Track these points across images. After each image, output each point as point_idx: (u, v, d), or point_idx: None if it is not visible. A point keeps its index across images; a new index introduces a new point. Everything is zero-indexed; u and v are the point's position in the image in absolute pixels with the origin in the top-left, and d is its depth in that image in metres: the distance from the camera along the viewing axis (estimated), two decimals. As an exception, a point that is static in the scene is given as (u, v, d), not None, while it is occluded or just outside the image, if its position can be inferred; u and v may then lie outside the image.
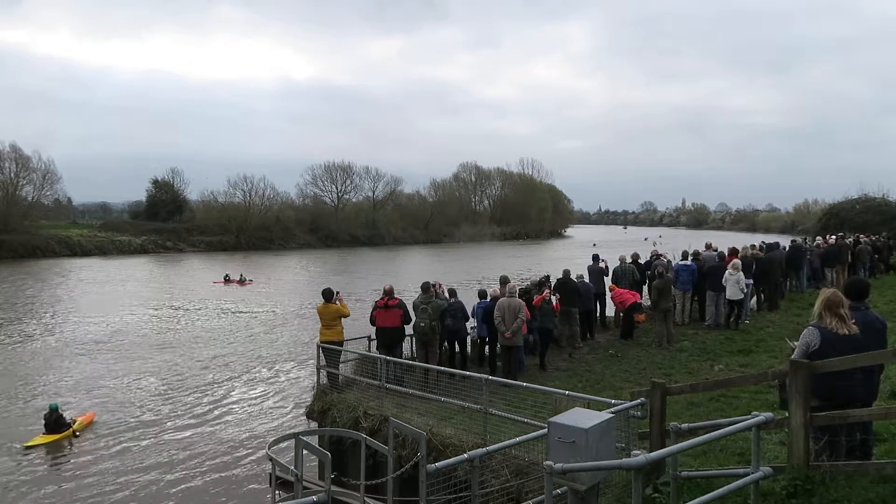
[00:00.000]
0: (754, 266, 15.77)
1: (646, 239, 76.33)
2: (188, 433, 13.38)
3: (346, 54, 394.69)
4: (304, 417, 11.75)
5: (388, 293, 11.27)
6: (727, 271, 14.51)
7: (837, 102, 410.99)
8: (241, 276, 41.16)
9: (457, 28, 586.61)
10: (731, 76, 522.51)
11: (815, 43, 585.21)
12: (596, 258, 16.06)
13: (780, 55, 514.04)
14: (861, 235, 25.28)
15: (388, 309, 11.03)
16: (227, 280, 40.18)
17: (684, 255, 16.13)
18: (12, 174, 63.12)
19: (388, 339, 11.12)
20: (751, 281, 15.43)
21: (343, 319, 11.42)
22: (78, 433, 12.99)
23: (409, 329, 11.47)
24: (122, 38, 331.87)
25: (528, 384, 8.09)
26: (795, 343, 5.19)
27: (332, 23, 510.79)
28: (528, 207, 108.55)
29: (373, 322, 11.31)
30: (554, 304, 12.29)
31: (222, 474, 11.41)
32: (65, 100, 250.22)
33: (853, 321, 4.89)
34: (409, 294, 16.27)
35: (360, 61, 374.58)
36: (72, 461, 11.93)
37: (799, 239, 24.19)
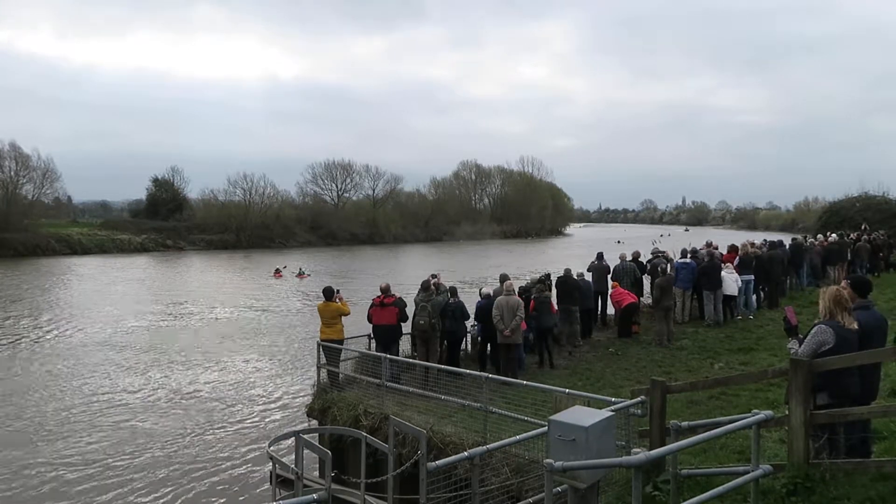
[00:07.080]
0: (754, 262, 15.86)
1: (661, 236, 74.14)
2: (188, 432, 13.36)
3: (329, 53, 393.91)
4: (305, 416, 11.77)
5: (385, 291, 11.31)
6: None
7: (825, 101, 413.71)
8: (301, 269, 41.14)
9: (436, 27, 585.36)
10: (717, 75, 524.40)
11: (799, 41, 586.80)
12: (601, 256, 16.07)
13: (764, 54, 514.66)
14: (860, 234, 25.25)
15: (384, 307, 11.07)
16: (278, 273, 40.41)
17: (683, 254, 16.16)
18: (12, 173, 63.28)
19: (384, 336, 11.15)
20: (751, 277, 15.64)
21: (343, 318, 11.44)
22: None
23: (406, 328, 11.49)
24: (104, 36, 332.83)
25: (528, 382, 8.11)
26: (794, 343, 5.17)
27: (312, 20, 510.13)
28: (528, 206, 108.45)
29: (370, 320, 11.34)
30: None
31: (222, 472, 11.41)
32: (52, 98, 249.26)
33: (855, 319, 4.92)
34: (409, 291, 16.24)
35: (344, 60, 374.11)
36: (66, 452, 11.91)
37: (799, 237, 24.25)
